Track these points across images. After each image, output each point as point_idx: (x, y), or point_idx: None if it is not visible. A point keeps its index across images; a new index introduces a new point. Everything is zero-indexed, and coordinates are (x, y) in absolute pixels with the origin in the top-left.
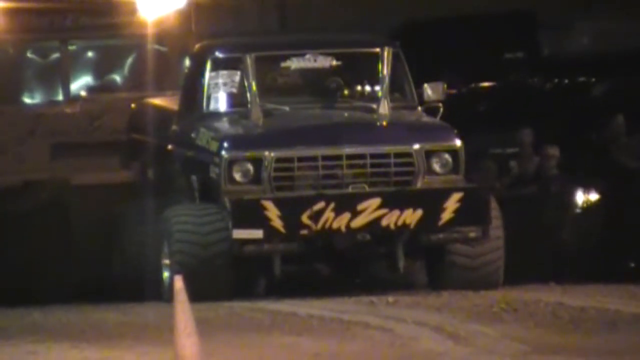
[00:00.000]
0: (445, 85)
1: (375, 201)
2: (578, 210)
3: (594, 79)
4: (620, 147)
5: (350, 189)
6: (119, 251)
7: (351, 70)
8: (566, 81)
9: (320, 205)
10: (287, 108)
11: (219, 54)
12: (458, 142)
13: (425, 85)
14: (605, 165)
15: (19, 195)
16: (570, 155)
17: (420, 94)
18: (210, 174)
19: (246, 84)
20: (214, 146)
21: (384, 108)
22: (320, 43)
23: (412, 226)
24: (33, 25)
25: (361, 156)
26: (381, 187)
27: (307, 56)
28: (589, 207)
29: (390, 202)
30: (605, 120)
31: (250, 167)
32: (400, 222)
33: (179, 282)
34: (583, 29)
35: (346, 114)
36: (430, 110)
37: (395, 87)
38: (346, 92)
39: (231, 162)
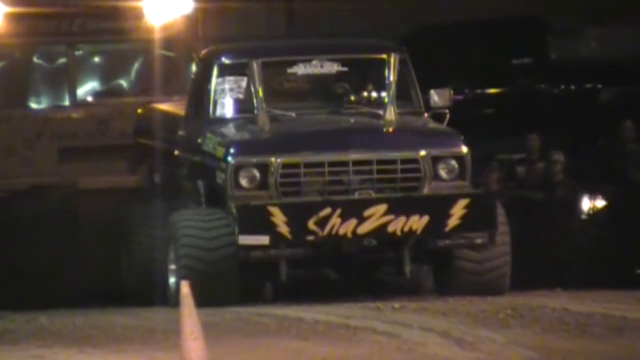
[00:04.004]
0: (452, 91)
1: (382, 207)
2: (584, 216)
3: (602, 85)
4: (627, 156)
5: (356, 195)
6: (126, 255)
7: (358, 76)
8: (574, 86)
9: (326, 211)
10: (293, 114)
11: (225, 60)
12: (464, 148)
13: (432, 91)
14: (612, 172)
15: (26, 199)
16: (577, 160)
17: (427, 100)
18: (217, 180)
19: (253, 89)
20: (220, 152)
21: (390, 114)
22: (327, 49)
23: (418, 232)
24: (40, 30)
25: (368, 162)
26: (388, 193)
27: (314, 62)
28: (595, 213)
29: (397, 208)
30: (613, 126)
31: (256, 172)
32: (406, 228)
33: (185, 288)
34: (591, 34)
35: (353, 120)
36: (437, 116)
37: (402, 93)
38: (353, 98)
39: (237, 168)
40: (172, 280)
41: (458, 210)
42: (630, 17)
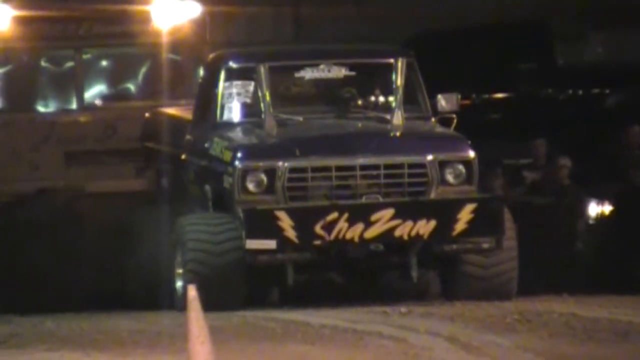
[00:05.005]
0: (459, 96)
1: (389, 212)
2: (590, 221)
3: (608, 90)
4: (633, 162)
5: (363, 200)
6: (133, 259)
7: (365, 81)
8: (580, 92)
9: (333, 215)
10: (300, 118)
11: (233, 64)
12: (472, 153)
13: (439, 95)
14: (617, 176)
15: (33, 203)
16: (584, 165)
17: (434, 105)
18: (224, 184)
19: (260, 93)
20: (227, 156)
21: (397, 118)
22: (334, 53)
23: (425, 237)
24: (47, 34)
25: (375, 166)
26: (395, 197)
27: (321, 66)
28: (601, 218)
29: (404, 212)
30: (619, 131)
31: (263, 177)
32: (413, 233)
33: (192, 291)
34: (597, 39)
35: (360, 125)
36: (444, 121)
37: (409, 98)
38: (360, 102)
39: (245, 172)
40: (179, 284)
41: (465, 214)
42: (636, 22)
